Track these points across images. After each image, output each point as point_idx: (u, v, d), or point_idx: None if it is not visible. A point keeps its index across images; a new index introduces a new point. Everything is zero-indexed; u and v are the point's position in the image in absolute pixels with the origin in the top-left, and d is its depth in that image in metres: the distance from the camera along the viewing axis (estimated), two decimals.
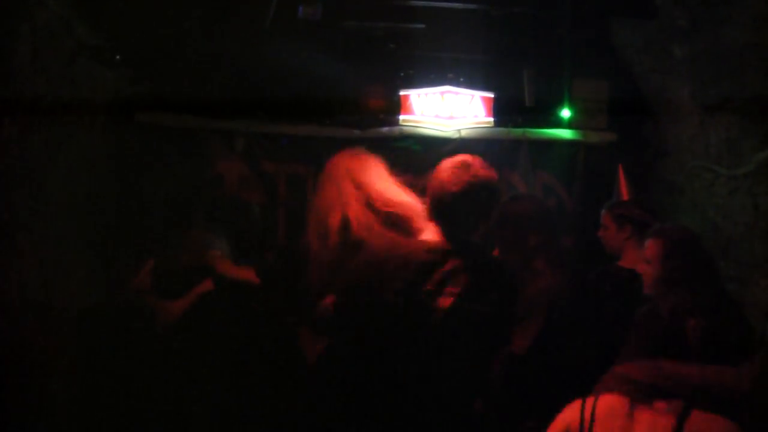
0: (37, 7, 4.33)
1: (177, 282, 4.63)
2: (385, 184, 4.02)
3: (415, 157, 6.54)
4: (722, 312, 3.58)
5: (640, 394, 2.55)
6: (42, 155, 4.68)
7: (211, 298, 4.54)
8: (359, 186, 3.92)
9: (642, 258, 3.92)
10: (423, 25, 6.40)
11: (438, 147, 6.51)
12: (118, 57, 5.54)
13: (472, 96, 6.49)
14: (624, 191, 6.04)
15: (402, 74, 6.63)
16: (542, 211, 4.20)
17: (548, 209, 4.45)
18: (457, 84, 6.52)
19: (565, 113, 6.60)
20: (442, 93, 6.45)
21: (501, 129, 6.57)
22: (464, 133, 6.49)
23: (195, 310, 4.54)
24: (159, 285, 4.64)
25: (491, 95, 6.52)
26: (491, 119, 6.51)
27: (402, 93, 6.45)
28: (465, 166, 3.33)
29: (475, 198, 3.31)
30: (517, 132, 6.59)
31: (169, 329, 4.53)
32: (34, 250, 4.62)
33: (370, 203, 3.84)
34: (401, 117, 6.44)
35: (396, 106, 6.46)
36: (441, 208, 3.33)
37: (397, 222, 3.71)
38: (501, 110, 6.56)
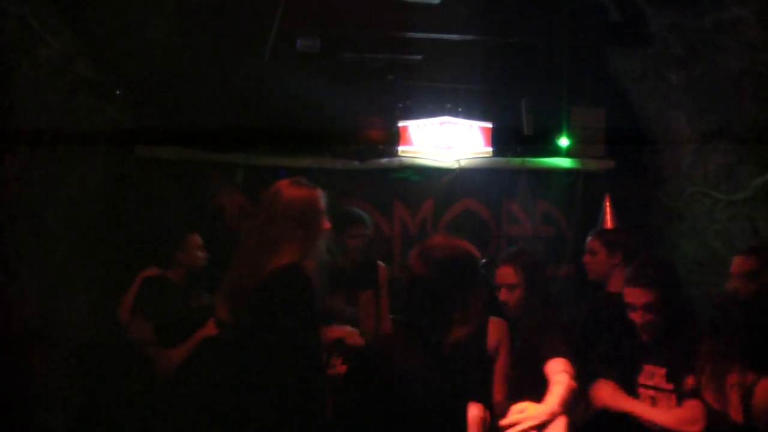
0: (38, 43, 4.36)
1: (178, 329, 4.62)
2: None
3: (414, 187, 6.57)
4: None
5: None
6: (43, 188, 4.69)
7: (212, 343, 4.52)
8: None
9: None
10: (420, 57, 6.45)
11: (437, 177, 6.54)
12: (117, 92, 5.58)
13: (471, 126, 6.52)
14: (608, 219, 6.08)
15: (400, 105, 6.67)
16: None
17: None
18: (456, 114, 6.56)
19: (564, 142, 6.63)
20: (441, 123, 6.47)
21: (500, 158, 6.60)
22: (463, 163, 6.52)
23: (195, 355, 4.53)
24: (161, 335, 4.63)
25: (489, 125, 6.55)
26: (490, 149, 6.54)
27: (401, 124, 6.48)
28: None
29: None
30: (516, 161, 6.61)
31: (169, 376, 4.52)
32: (36, 282, 4.62)
33: None
34: (400, 148, 6.46)
35: (395, 137, 6.48)
36: None
37: None
38: (499, 140, 6.58)
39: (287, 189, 3.32)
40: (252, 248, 3.24)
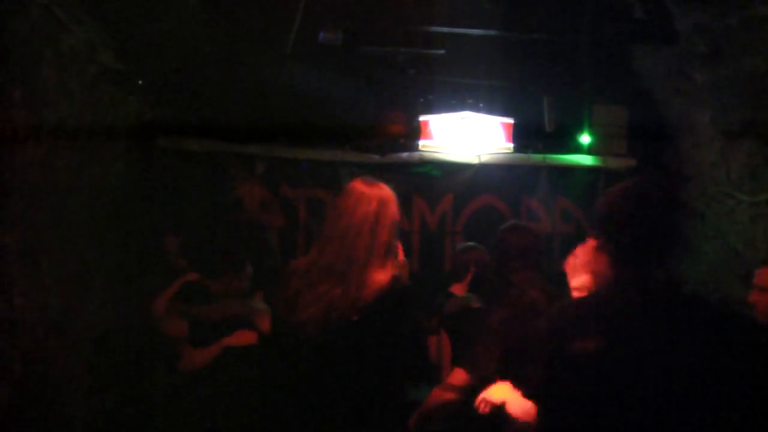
0: (61, 33, 4.38)
1: (210, 331, 4.67)
2: None
3: (434, 182, 6.56)
4: None
5: None
6: (64, 178, 4.71)
7: (237, 352, 4.57)
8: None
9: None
10: (443, 51, 6.42)
11: (457, 172, 6.53)
12: (140, 82, 5.59)
13: (492, 121, 6.49)
14: None
15: (422, 100, 6.66)
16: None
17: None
18: (477, 109, 6.53)
19: (585, 139, 6.60)
20: (462, 118, 6.45)
21: (520, 155, 6.58)
22: (484, 159, 6.51)
23: (218, 360, 4.58)
24: (193, 333, 4.68)
25: (511, 121, 6.53)
26: (511, 145, 6.51)
27: (422, 118, 6.47)
28: None
29: None
30: (537, 158, 6.59)
31: (189, 375, 4.57)
32: (56, 271, 4.65)
33: None
34: (421, 142, 6.45)
35: (416, 132, 6.48)
36: None
37: None
38: (520, 136, 6.56)
39: (376, 191, 3.07)
40: (355, 260, 2.93)
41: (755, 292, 3.95)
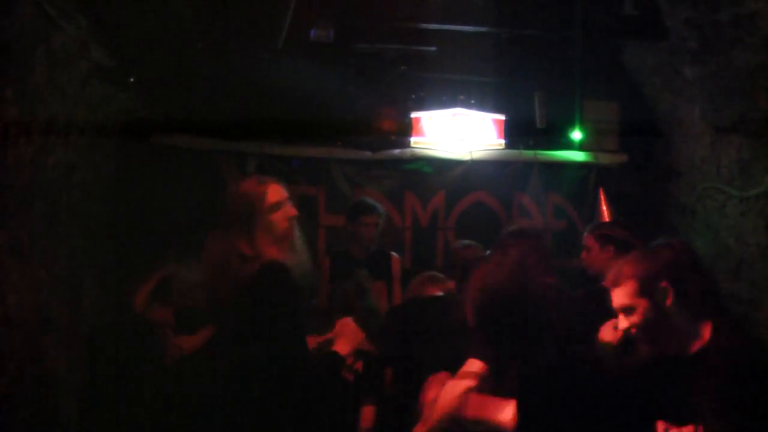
0: (53, 30, 4.37)
1: (195, 318, 4.66)
2: None
3: (426, 178, 6.56)
4: None
5: None
6: (56, 175, 4.71)
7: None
8: None
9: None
10: (435, 48, 6.44)
11: (449, 169, 6.54)
12: (131, 79, 5.58)
13: (483, 118, 6.51)
14: (604, 213, 6.07)
15: (413, 96, 6.67)
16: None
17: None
18: (469, 106, 6.55)
19: (576, 135, 6.61)
20: (454, 115, 6.47)
21: (512, 151, 6.59)
22: (475, 155, 6.51)
23: (207, 346, 4.56)
24: (179, 320, 4.67)
25: (502, 117, 6.54)
26: (502, 141, 6.53)
27: (413, 115, 6.48)
28: None
29: None
30: (528, 154, 6.61)
31: (176, 363, 4.56)
32: (49, 268, 4.65)
33: None
34: (412, 139, 6.46)
35: (407, 128, 6.49)
36: None
37: None
38: (512, 132, 6.58)
39: None
40: None
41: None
